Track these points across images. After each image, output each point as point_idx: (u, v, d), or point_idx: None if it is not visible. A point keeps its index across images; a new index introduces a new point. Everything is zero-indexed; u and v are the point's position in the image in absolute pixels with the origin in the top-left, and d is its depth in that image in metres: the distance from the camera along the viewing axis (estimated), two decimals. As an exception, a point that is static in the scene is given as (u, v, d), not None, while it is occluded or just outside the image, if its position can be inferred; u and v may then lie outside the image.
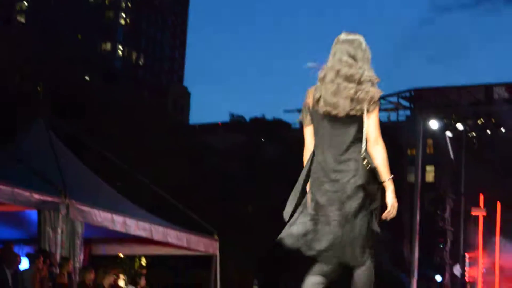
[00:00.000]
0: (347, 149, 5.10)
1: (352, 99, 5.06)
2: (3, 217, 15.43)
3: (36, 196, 13.61)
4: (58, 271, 13.65)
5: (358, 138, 5.11)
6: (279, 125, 50.47)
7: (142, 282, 16.17)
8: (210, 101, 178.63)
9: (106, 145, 19.78)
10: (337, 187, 5.07)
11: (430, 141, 38.71)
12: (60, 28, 73.12)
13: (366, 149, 5.09)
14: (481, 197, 24.73)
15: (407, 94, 28.68)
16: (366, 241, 5.09)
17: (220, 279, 18.14)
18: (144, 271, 18.05)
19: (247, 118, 52.65)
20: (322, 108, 5.12)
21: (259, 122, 48.82)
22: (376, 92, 5.10)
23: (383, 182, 5.11)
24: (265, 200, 38.29)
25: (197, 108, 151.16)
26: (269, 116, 50.90)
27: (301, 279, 5.27)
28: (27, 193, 13.48)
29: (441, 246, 23.41)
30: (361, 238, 5.07)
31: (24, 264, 13.76)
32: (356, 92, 5.07)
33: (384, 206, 5.18)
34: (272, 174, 40.28)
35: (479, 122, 23.93)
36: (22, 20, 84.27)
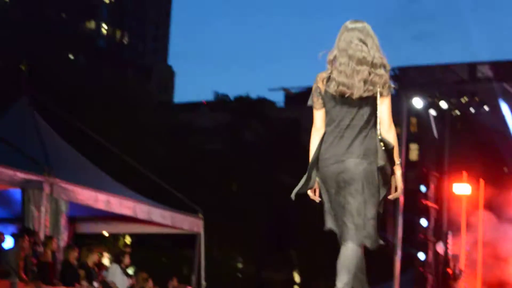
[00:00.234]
0: (360, 131, 5.14)
1: (365, 81, 5.11)
2: (-13, 196, 15.42)
3: (20, 175, 13.60)
4: (42, 249, 13.65)
5: (370, 120, 5.16)
6: (263, 103, 50.62)
7: (126, 260, 16.16)
8: (195, 80, 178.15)
9: (89, 125, 19.70)
10: (348, 168, 5.11)
11: (414, 120, 38.83)
12: (44, 7, 72.65)
13: (380, 132, 5.15)
14: (465, 174, 24.87)
15: (392, 73, 28.62)
16: (374, 222, 5.15)
17: (205, 258, 18.17)
18: (128, 250, 18.05)
19: (232, 97, 52.55)
20: (335, 90, 5.14)
21: (244, 101, 48.86)
22: (389, 77, 5.16)
23: (394, 165, 5.18)
24: (249, 178, 38.38)
25: (182, 86, 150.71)
26: (253, 95, 50.83)
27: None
28: (11, 172, 13.46)
29: (425, 225, 23.49)
30: (372, 220, 5.13)
31: (9, 242, 13.75)
32: (369, 74, 5.11)
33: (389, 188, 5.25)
34: (256, 153, 40.36)
35: (463, 100, 23.96)
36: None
